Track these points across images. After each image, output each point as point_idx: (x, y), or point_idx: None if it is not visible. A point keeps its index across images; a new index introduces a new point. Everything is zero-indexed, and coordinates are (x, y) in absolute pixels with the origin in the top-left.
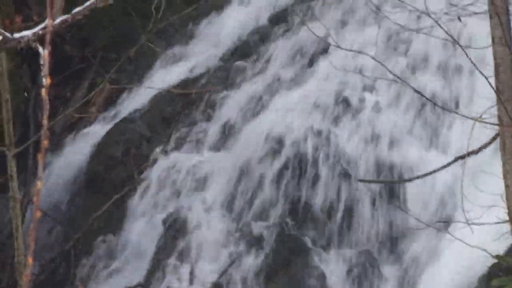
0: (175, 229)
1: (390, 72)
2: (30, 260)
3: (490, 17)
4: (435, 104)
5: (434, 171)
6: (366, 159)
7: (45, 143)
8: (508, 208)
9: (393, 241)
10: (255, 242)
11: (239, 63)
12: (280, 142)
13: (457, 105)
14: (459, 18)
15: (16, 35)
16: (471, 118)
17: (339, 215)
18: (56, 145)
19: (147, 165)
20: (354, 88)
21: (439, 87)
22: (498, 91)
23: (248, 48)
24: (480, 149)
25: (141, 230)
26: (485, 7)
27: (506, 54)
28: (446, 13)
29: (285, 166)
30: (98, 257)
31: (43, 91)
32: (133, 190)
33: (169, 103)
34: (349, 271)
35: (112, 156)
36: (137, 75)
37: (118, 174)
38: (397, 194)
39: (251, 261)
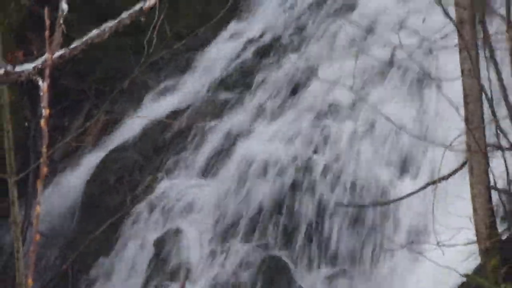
0: (165, 250)
1: (366, 102)
2: (30, 281)
3: (460, 51)
4: (407, 133)
5: (407, 196)
6: (343, 184)
7: (44, 170)
8: (476, 230)
9: (368, 261)
10: (240, 262)
11: (225, 94)
12: (264, 168)
13: (428, 133)
14: (430, 51)
15: (17, 68)
16: (442, 146)
17: (318, 236)
18: (55, 172)
19: (140, 191)
20: (333, 117)
21: (412, 116)
22: (467, 120)
23: (234, 80)
24: (450, 175)
25: (134, 251)
26: (455, 41)
27: (475, 86)
28: (419, 47)
29: (268, 192)
30: (94, 276)
31: (43, 122)
32: (126, 214)
33: (160, 133)
34: (328, 286)
35: (107, 182)
36: (130, 106)
37: (112, 199)
38: (372, 218)
39: (236, 280)
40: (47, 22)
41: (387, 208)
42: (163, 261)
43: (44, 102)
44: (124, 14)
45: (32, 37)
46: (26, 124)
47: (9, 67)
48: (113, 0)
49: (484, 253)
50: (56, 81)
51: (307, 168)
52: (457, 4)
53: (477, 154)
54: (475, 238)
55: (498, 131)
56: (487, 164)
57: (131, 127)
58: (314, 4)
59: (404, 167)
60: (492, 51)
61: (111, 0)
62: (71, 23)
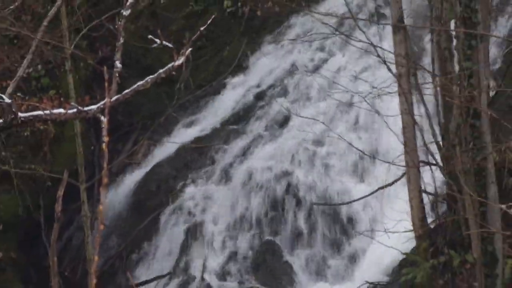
0: (192, 237)
1: (334, 132)
2: (96, 258)
3: (399, 96)
4: (363, 153)
5: (364, 197)
6: (319, 190)
7: (105, 180)
8: (412, 221)
9: (337, 244)
10: (245, 245)
11: (233, 126)
12: (261, 178)
13: (378, 153)
14: (378, 96)
15: (86, 108)
16: (388, 162)
17: (300, 226)
18: (113, 182)
19: (173, 195)
20: (310, 142)
21: (367, 141)
22: (405, 144)
23: (239, 116)
24: (393, 182)
25: (169, 237)
26: (396, 89)
27: (410, 120)
28: (370, 93)
29: (265, 195)
30: (141, 255)
31: (104, 146)
32: (163, 212)
33: (187, 153)
34: (307, 264)
35: (149, 188)
36: (165, 135)
37: (153, 201)
38: (340, 212)
39: (242, 258)
40: (106, 76)
41: (350, 206)
42: (189, 245)
43: (104, 132)
44: (161, 71)
45: (96, 87)
46: (92, 147)
47: (80, 108)
48: (153, 60)
49: (418, 238)
50: (113, 117)
51: (292, 178)
52: (396, 63)
53: (412, 168)
54: (411, 227)
55: (427, 152)
56: (420, 175)
57: (166, 149)
58: (294, 65)
59: (362, 177)
60: (421, 96)
61: (151, 60)
62: (123, 77)
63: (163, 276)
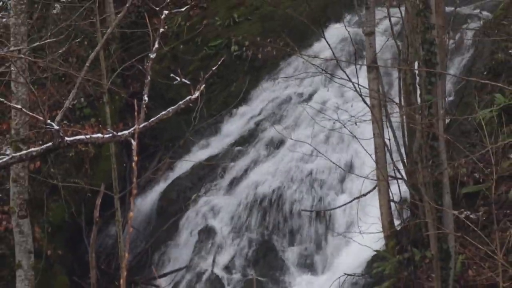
0: (205, 237)
1: (320, 152)
2: (127, 255)
3: (372, 123)
4: (343, 169)
5: (343, 205)
6: (307, 199)
7: (134, 192)
8: (382, 224)
9: (321, 243)
10: (248, 244)
11: (238, 147)
12: (261, 190)
13: (355, 169)
14: (355, 123)
15: (119, 133)
16: (362, 176)
17: (292, 228)
18: (141, 193)
19: (189, 203)
20: (300, 160)
21: (346, 159)
22: (376, 162)
23: (243, 140)
24: (367, 193)
25: (186, 237)
26: (370, 117)
27: (381, 143)
28: (349, 120)
29: (265, 203)
30: (163, 252)
31: (133, 164)
32: (181, 216)
33: (201, 169)
34: (298, 259)
35: (170, 197)
36: (184, 155)
37: (173, 208)
38: (324, 217)
39: (245, 255)
40: (136, 107)
41: (332, 212)
42: (202, 244)
43: (134, 152)
44: (180, 102)
45: (127, 116)
46: (124, 165)
47: (115, 133)
48: (174, 94)
49: (387, 238)
50: (141, 140)
51: (286, 189)
52: (370, 96)
53: (383, 181)
54: (381, 229)
55: (394, 168)
56: (389, 187)
57: (184, 166)
58: (288, 97)
59: (341, 189)
60: (390, 123)
61: (173, 94)
62: (150, 107)
63: (180, 269)
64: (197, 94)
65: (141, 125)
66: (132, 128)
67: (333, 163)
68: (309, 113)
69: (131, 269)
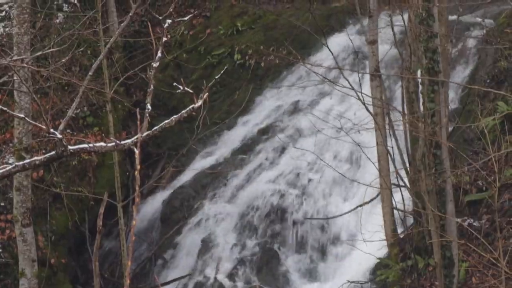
0: (208, 245)
1: (322, 160)
2: (129, 262)
3: (375, 131)
4: (346, 177)
5: (346, 212)
6: (310, 207)
7: (137, 200)
8: (385, 232)
9: (324, 251)
10: (250, 251)
11: (241, 155)
12: (264, 197)
13: (358, 177)
14: (359, 131)
15: (122, 142)
16: (366, 184)
17: (296, 236)
18: (144, 201)
19: (192, 211)
20: (303, 169)
21: (348, 168)
22: (380, 170)
23: (246, 148)
24: (370, 201)
25: (190, 245)
26: (373, 125)
27: (384, 151)
28: (352, 129)
29: (268, 211)
30: (166, 260)
31: (136, 172)
32: (185, 224)
33: (204, 177)
34: (300, 266)
35: (174, 205)
36: (187, 163)
37: (177, 215)
38: (327, 225)
39: (248, 262)
40: (139, 116)
41: (335, 220)
42: (205, 251)
43: (137, 161)
44: (183, 111)
45: (130, 124)
46: (127, 173)
47: (118, 141)
48: (177, 102)
49: (390, 246)
50: (144, 149)
51: (288, 197)
52: (373, 104)
53: (386, 189)
54: (384, 237)
55: (397, 176)
56: (392, 195)
57: (187, 174)
58: (290, 105)
59: (345, 196)
60: (393, 131)
61: (175, 102)
62: (153, 116)
63: (183, 277)
64: (200, 102)
65: (144, 134)
66: (135, 137)
67: (337, 171)
68: (311, 121)
69: (135, 277)
